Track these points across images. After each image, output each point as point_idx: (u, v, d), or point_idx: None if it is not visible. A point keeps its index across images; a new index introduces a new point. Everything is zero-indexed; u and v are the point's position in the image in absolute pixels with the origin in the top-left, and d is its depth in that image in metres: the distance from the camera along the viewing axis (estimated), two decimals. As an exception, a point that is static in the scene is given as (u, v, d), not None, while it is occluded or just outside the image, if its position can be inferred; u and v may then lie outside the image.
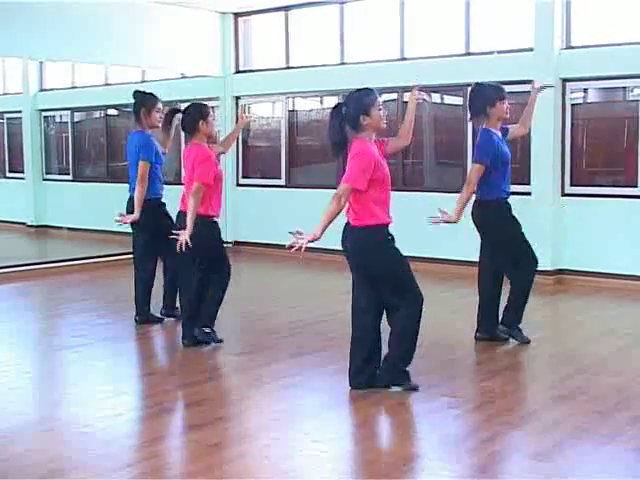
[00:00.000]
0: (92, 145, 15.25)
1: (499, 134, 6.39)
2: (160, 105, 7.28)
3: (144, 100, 7.24)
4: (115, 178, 13.94)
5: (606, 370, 5.94)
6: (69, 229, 14.77)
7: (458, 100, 10.40)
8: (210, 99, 11.65)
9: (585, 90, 9.61)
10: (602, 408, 5.03)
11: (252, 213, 12.34)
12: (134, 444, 4.62)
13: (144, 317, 7.39)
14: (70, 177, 15.29)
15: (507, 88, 6.63)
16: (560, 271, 9.46)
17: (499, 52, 9.83)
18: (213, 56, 12.40)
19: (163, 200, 7.37)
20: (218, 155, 6.77)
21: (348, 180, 5.07)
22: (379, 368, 5.38)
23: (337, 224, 5.23)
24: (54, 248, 14.05)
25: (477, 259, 6.69)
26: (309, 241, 5.00)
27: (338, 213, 5.13)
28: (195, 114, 6.36)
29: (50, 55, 11.38)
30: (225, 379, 6.10)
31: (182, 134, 7.06)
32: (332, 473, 4.23)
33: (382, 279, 5.30)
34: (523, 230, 6.56)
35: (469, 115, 6.59)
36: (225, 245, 6.75)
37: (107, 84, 14.40)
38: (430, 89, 10.71)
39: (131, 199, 7.24)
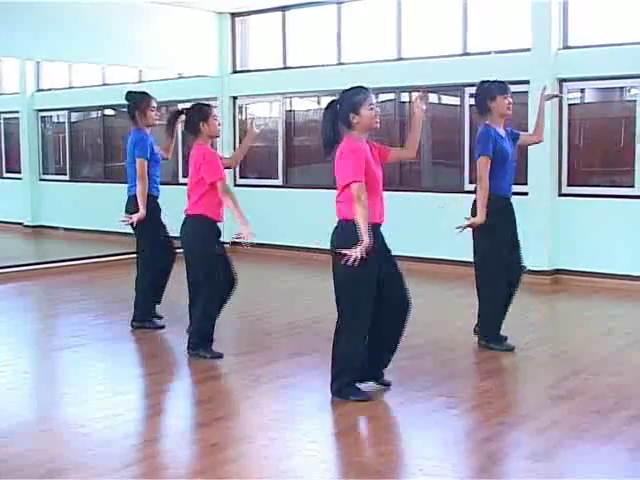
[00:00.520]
0: (89, 145, 15.25)
1: (501, 131, 6.33)
2: (154, 103, 7.22)
3: (137, 101, 7.21)
4: (112, 178, 13.95)
5: (604, 370, 5.94)
6: (66, 229, 14.76)
7: (455, 100, 10.41)
8: (207, 99, 11.63)
9: (582, 90, 9.63)
10: (600, 408, 5.04)
11: (249, 213, 12.27)
12: (133, 444, 4.62)
13: (148, 320, 7.35)
14: (67, 177, 15.29)
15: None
16: (557, 271, 9.47)
17: (496, 52, 9.84)
18: (210, 56, 12.41)
19: (159, 200, 7.33)
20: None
21: (350, 177, 4.94)
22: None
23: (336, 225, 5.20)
24: (51, 248, 14.04)
25: (473, 259, 6.64)
26: (363, 250, 4.83)
27: (367, 210, 4.97)
28: (195, 115, 6.23)
29: (47, 55, 11.39)
30: (223, 379, 6.10)
31: (180, 135, 7.01)
32: (330, 473, 4.24)
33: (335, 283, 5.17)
34: (521, 230, 6.51)
35: (477, 114, 6.53)
36: (224, 245, 6.64)
37: (104, 84, 14.41)
38: (427, 89, 10.75)
39: (130, 198, 7.22)
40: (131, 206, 7.19)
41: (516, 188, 6.66)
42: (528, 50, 9.47)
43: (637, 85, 9.05)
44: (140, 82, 13.24)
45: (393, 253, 5.29)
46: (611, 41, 9.11)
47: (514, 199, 6.46)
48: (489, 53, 9.89)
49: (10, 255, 11.42)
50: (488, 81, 6.46)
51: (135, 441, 4.71)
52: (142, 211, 7.01)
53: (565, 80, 9.39)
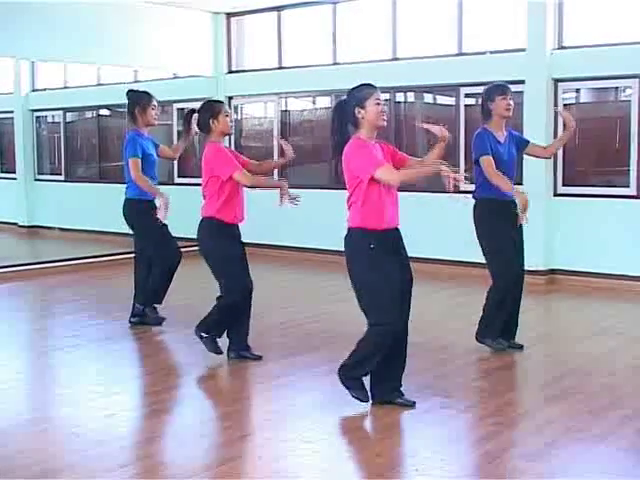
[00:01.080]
0: (84, 145, 15.23)
1: (499, 135, 6.29)
2: (155, 102, 7.21)
3: (139, 98, 7.19)
4: (107, 178, 13.94)
5: (598, 370, 5.95)
6: (61, 229, 14.74)
7: (450, 100, 10.41)
8: (203, 99, 11.62)
9: (577, 90, 9.64)
10: (594, 408, 5.05)
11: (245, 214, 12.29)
12: (127, 444, 4.61)
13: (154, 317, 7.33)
14: (62, 177, 15.26)
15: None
16: (552, 271, 9.48)
17: (491, 52, 9.86)
18: (205, 56, 12.40)
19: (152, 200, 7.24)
20: None
21: (372, 167, 4.84)
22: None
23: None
24: (46, 248, 14.02)
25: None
26: (437, 164, 4.85)
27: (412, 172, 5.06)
28: (205, 113, 6.17)
29: (42, 55, 11.37)
30: (217, 379, 6.09)
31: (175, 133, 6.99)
32: (325, 473, 4.23)
33: (355, 290, 5.08)
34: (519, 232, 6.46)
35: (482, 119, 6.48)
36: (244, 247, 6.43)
37: (99, 84, 14.39)
38: (422, 89, 10.76)
39: (127, 201, 7.20)
40: (126, 209, 7.19)
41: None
42: (523, 50, 9.48)
43: (632, 85, 9.05)
44: (135, 82, 13.21)
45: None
46: (606, 41, 9.12)
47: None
48: (484, 53, 9.91)
49: (5, 255, 11.39)
50: (489, 84, 6.46)
51: (129, 441, 4.71)
52: (161, 196, 6.81)
53: (560, 80, 9.40)
